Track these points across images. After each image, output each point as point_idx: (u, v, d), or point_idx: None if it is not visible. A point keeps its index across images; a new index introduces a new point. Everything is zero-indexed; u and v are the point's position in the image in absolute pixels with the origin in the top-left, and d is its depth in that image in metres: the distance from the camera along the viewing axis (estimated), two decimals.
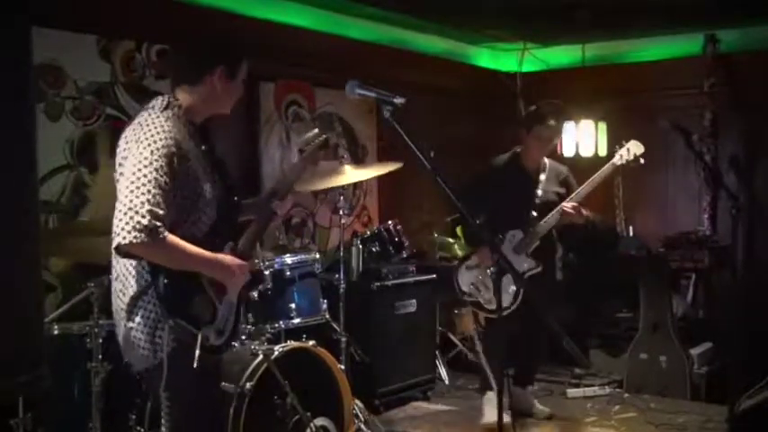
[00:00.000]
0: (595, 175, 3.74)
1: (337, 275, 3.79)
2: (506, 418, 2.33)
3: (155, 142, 2.04)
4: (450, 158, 5.05)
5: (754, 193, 5.13)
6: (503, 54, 6.23)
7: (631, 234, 5.42)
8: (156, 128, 2.06)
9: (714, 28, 5.20)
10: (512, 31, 5.60)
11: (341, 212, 3.84)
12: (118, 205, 2.02)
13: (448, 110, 5.72)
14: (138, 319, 2.11)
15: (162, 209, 2.00)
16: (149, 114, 2.12)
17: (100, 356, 2.90)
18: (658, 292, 4.55)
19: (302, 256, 3.55)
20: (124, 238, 1.98)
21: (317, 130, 2.46)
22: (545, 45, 5.95)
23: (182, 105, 2.19)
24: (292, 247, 4.47)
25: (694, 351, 4.50)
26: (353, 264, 4.19)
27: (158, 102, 2.17)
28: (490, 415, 3.83)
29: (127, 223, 1.98)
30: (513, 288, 3.68)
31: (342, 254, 3.80)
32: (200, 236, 2.14)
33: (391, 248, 4.26)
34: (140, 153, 2.03)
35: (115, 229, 2.00)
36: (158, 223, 1.99)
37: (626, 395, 4.46)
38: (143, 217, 1.97)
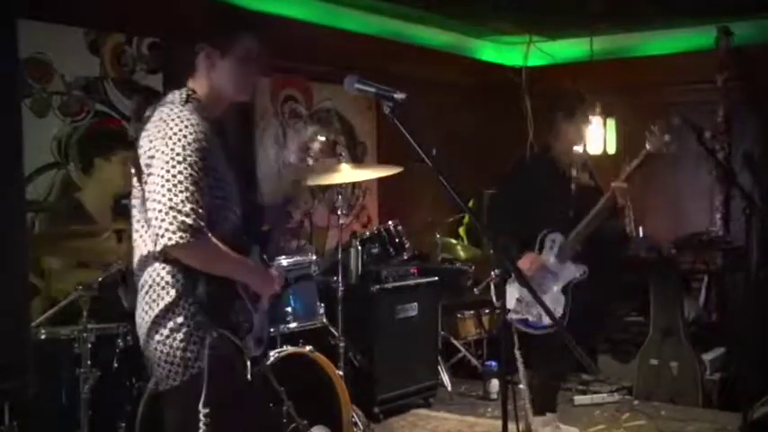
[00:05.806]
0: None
1: (335, 278, 3.74)
2: None
3: (185, 137, 1.93)
4: (452, 156, 5.00)
5: None
6: (507, 47, 6.21)
7: (641, 235, 5.37)
8: (182, 122, 1.95)
9: (727, 20, 5.14)
10: (517, 24, 5.56)
11: (339, 212, 3.80)
12: (155, 205, 1.91)
13: (450, 106, 5.67)
14: (165, 331, 1.96)
15: (202, 207, 1.92)
16: (170, 109, 1.99)
17: (89, 362, 2.86)
18: (669, 296, 4.51)
19: (299, 258, 3.52)
20: (170, 239, 1.87)
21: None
22: (552, 38, 5.92)
23: (199, 98, 2.08)
24: (288, 249, 4.43)
25: (706, 356, 4.46)
26: (352, 266, 4.15)
27: (176, 96, 2.05)
28: None
29: (171, 223, 1.88)
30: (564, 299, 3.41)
31: (340, 255, 3.77)
32: (230, 236, 2.02)
33: (391, 250, 4.22)
34: (171, 149, 1.92)
35: (158, 230, 1.89)
36: (202, 222, 1.91)
37: (635, 402, 4.45)
38: (187, 216, 1.88)
